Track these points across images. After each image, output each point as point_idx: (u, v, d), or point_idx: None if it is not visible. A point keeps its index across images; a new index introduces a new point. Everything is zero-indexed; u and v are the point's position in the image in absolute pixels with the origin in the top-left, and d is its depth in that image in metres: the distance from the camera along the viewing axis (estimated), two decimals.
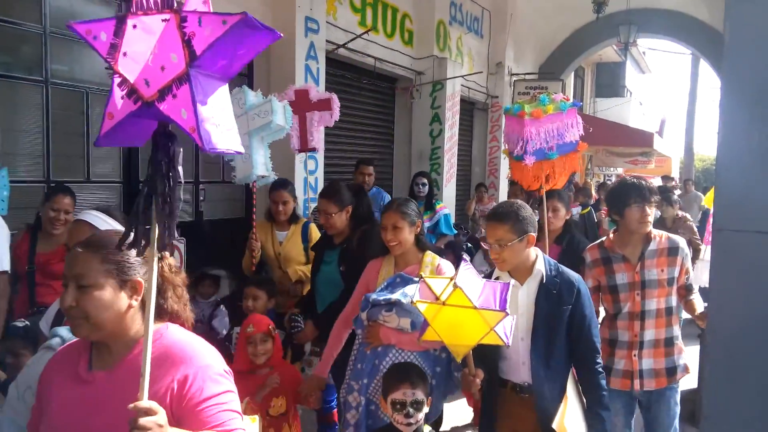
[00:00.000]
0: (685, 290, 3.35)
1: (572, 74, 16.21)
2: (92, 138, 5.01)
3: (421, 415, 2.58)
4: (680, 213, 7.10)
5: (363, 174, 6.10)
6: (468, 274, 2.34)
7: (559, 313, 2.60)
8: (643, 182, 3.31)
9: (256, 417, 2.83)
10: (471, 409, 4.69)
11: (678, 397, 3.32)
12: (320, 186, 6.55)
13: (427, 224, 6.08)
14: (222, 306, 4.50)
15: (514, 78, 12.62)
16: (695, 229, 7.08)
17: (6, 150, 4.52)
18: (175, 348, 1.61)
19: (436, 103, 9.41)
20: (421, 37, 9.31)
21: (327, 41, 6.99)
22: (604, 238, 3.44)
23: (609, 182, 11.82)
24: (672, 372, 3.25)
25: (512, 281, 2.47)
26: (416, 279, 2.90)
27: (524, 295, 2.65)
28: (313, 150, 5.26)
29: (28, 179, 4.63)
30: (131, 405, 1.40)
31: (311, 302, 3.97)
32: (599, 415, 2.60)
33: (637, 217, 3.21)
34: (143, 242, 1.46)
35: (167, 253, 1.68)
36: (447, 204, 9.55)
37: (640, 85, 26.69)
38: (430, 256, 3.18)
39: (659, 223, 6.92)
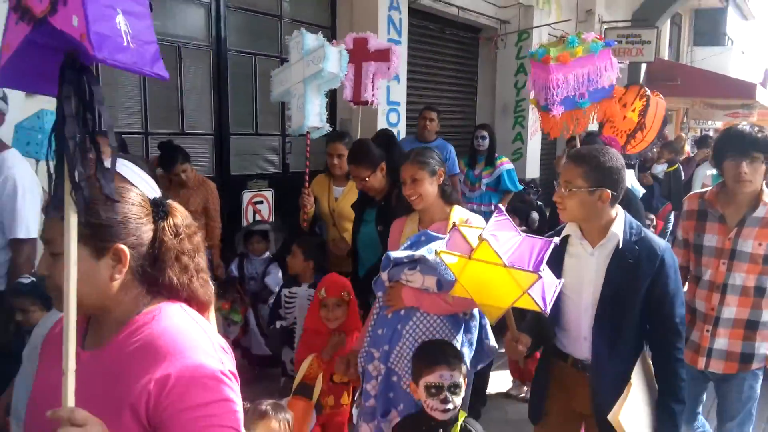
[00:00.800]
0: None
1: (668, 21, 15.29)
2: (185, 91, 5.22)
3: (459, 400, 2.31)
4: None
5: (424, 119, 5.79)
6: (502, 225, 2.09)
7: (634, 286, 2.22)
8: (751, 132, 2.74)
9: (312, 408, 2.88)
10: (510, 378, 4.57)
11: (757, 384, 2.88)
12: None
13: (487, 180, 5.91)
14: (275, 262, 4.45)
15: (605, 26, 12.04)
16: None
17: (108, 103, 4.77)
18: (163, 339, 1.25)
19: (522, 54, 9.13)
20: None
21: None
22: (708, 189, 2.98)
23: (709, 136, 10.99)
24: (747, 359, 2.80)
25: (555, 239, 2.07)
26: (443, 236, 2.55)
27: (594, 261, 2.29)
28: (366, 103, 4.86)
29: (129, 131, 4.89)
30: (49, 412, 1.11)
31: (353, 266, 3.74)
32: (671, 410, 2.26)
33: (731, 174, 2.73)
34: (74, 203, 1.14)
35: (178, 207, 1.38)
36: (532, 160, 9.37)
37: (742, 33, 24.87)
38: (457, 211, 2.85)
39: None
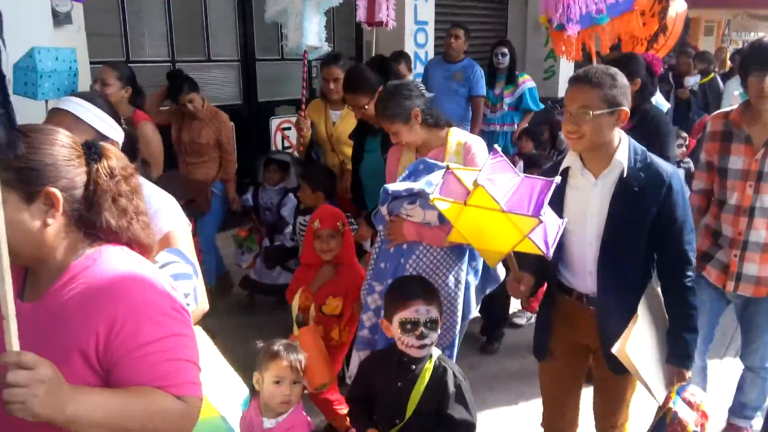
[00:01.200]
0: None
1: None
2: (210, 20, 5.15)
3: (435, 336, 2.17)
4: None
5: (450, 36, 5.48)
6: (498, 167, 1.92)
7: (640, 216, 2.10)
8: None
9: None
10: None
11: None
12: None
13: (508, 100, 5.63)
14: (291, 194, 4.29)
15: None
16: None
17: (134, 32, 4.77)
18: (106, 280, 1.21)
19: None
20: None
21: None
22: (733, 107, 2.79)
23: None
24: None
25: (557, 179, 1.93)
26: (442, 165, 2.50)
27: (597, 192, 2.13)
28: (380, 24, 4.56)
29: (155, 59, 4.89)
30: None
31: (359, 197, 3.61)
32: (684, 340, 2.16)
33: (754, 90, 2.54)
34: None
35: (112, 150, 1.32)
36: (564, 78, 9.08)
37: None
38: (454, 134, 2.74)
39: None
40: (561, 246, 2.17)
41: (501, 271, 2.80)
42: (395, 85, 2.78)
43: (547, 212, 1.86)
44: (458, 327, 2.70)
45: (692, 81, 7.73)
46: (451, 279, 2.65)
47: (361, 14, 4.53)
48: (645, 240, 2.12)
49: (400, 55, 4.97)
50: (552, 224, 1.90)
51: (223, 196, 4.30)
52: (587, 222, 2.15)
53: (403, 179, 2.62)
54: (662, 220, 2.09)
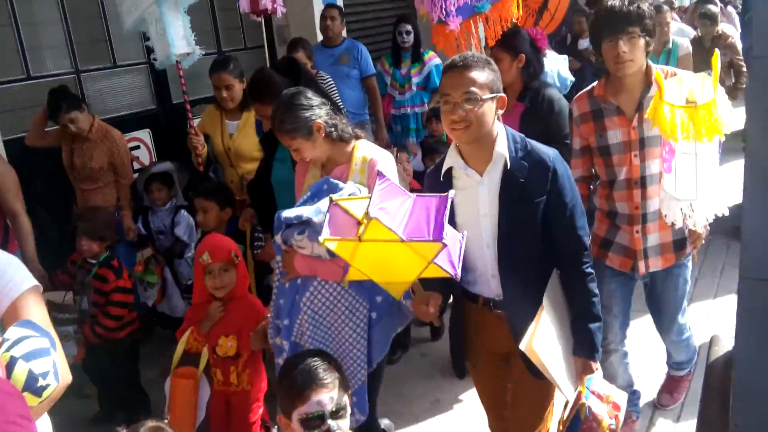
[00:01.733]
0: None
1: None
2: (112, 24, 4.94)
3: (346, 424, 1.81)
4: (721, 29, 5.97)
5: (325, 18, 5.13)
6: (388, 192, 1.77)
7: (531, 207, 1.99)
8: (622, 5, 2.43)
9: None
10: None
11: (688, 274, 2.77)
12: None
13: (416, 79, 5.35)
14: (183, 210, 3.87)
15: None
16: (739, 48, 5.90)
17: (31, 45, 4.52)
18: None
19: None
20: None
21: None
22: (593, 85, 2.66)
23: None
24: (681, 245, 2.64)
25: (452, 193, 1.77)
26: (342, 187, 2.32)
27: (485, 190, 2.01)
28: (265, 12, 4.29)
29: (57, 72, 4.66)
30: None
31: (266, 211, 3.20)
32: (588, 330, 2.07)
33: (610, 56, 2.44)
34: None
35: None
36: None
37: None
38: (360, 149, 2.48)
39: (696, 45, 5.93)
40: None
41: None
42: (292, 95, 2.47)
43: (447, 228, 1.74)
44: (364, 372, 2.44)
45: (585, 44, 6.72)
46: (352, 318, 2.40)
47: (243, 4, 4.23)
48: (540, 232, 2.02)
49: (298, 43, 4.68)
50: (453, 241, 1.79)
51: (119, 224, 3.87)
52: (481, 224, 2.03)
53: (305, 201, 2.40)
54: (552, 207, 1.99)
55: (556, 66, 4.50)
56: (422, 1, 3.27)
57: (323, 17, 5.14)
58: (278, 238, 2.41)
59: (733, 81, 5.81)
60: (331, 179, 2.39)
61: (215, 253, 2.67)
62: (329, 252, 2.09)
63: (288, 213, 2.35)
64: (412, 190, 3.71)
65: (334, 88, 4.52)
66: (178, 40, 3.50)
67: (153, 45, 3.58)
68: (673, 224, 2.49)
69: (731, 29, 6.22)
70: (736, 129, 6.94)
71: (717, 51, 2.34)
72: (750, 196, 1.75)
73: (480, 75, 1.91)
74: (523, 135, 2.05)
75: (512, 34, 3.30)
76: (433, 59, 5.36)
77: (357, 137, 2.53)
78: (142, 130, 4.91)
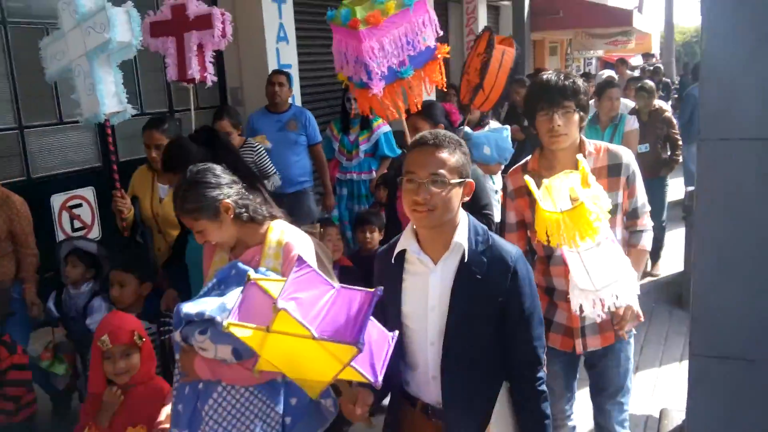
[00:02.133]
0: (630, 219, 2.55)
1: None
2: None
3: None
4: (657, 104, 6.21)
5: (272, 84, 5.03)
6: (306, 281, 1.61)
7: (486, 307, 1.81)
8: (558, 79, 2.41)
9: None
10: None
11: (631, 351, 2.64)
12: None
13: (364, 146, 5.24)
14: (99, 297, 3.32)
15: None
16: (674, 122, 6.16)
17: None
18: None
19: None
20: None
21: None
22: (528, 159, 2.61)
23: (588, 71, 11.32)
24: None
25: (379, 290, 1.59)
26: (257, 271, 2.08)
27: (437, 280, 1.84)
28: (193, 81, 4.10)
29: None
30: None
31: (179, 287, 3.02)
32: None
33: (545, 129, 2.40)
34: None
35: None
36: None
37: None
38: (275, 230, 2.25)
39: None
40: (400, 346, 1.86)
41: (332, 408, 2.29)
42: (197, 171, 2.22)
43: (372, 327, 1.59)
44: None
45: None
46: (264, 426, 2.12)
47: (170, 73, 4.09)
48: (493, 336, 1.83)
49: (223, 111, 4.52)
50: (380, 343, 1.61)
51: (22, 299, 3.49)
52: (428, 317, 1.84)
53: (210, 289, 2.11)
54: (509, 312, 1.82)
55: (494, 136, 4.55)
56: (342, 66, 3.10)
57: (270, 83, 5.06)
58: (177, 336, 2.11)
59: (669, 153, 6.09)
60: (240, 264, 2.13)
61: (116, 334, 2.39)
62: (235, 353, 1.97)
63: (188, 308, 2.06)
64: (343, 268, 3.65)
65: (265, 157, 4.47)
66: (109, 97, 3.24)
67: (79, 99, 3.29)
68: (582, 310, 2.30)
69: (664, 104, 6.52)
70: (676, 199, 7.24)
71: (581, 157, 2.24)
72: (699, 274, 1.78)
73: (451, 156, 1.78)
74: (485, 227, 1.91)
75: (431, 104, 3.28)
76: (381, 127, 5.30)
77: (272, 217, 2.31)
78: (86, 187, 4.75)
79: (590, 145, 2.49)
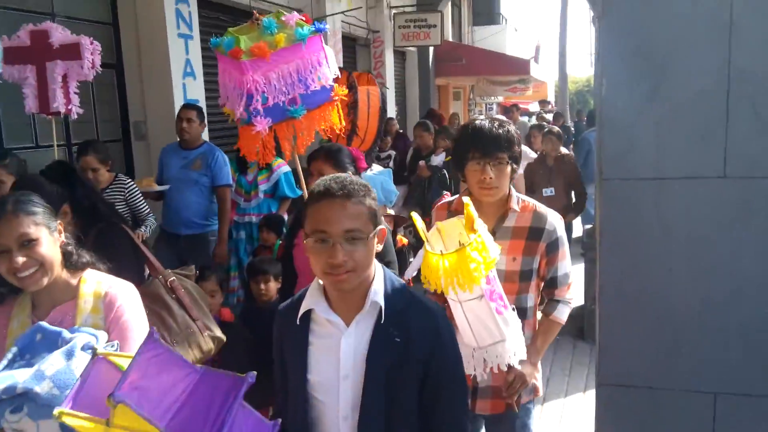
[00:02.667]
0: (548, 287, 2.41)
1: (449, 4, 16.28)
2: None
3: None
4: (564, 150, 6.35)
5: (181, 120, 4.79)
6: (158, 363, 1.36)
7: (406, 375, 1.58)
8: (492, 128, 2.27)
9: None
10: None
11: (529, 421, 2.48)
12: None
13: (264, 187, 5.09)
14: None
15: (394, 11, 12.51)
16: (578, 173, 6.30)
17: None
18: None
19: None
20: None
21: None
22: (454, 198, 2.51)
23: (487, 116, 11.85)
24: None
25: (250, 375, 1.40)
26: (68, 336, 1.65)
27: (350, 344, 1.59)
28: (58, 114, 3.89)
29: None
30: None
31: None
32: None
33: (475, 180, 2.27)
34: None
35: None
36: None
37: (514, 12, 27.34)
38: (90, 280, 1.91)
39: (539, 161, 6.41)
40: (306, 421, 1.64)
41: None
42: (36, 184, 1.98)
43: (245, 418, 1.38)
44: None
45: (438, 159, 6.79)
46: None
47: (30, 104, 3.84)
48: (415, 405, 1.60)
49: (89, 145, 4.25)
50: None
51: None
52: (339, 387, 1.59)
53: (9, 362, 1.64)
54: (431, 375, 1.59)
55: (380, 179, 4.53)
56: (226, 99, 2.86)
57: (179, 118, 4.83)
58: None
59: (575, 199, 6.34)
60: (46, 325, 1.71)
61: None
62: (62, 429, 1.45)
63: None
64: (224, 324, 2.91)
65: (138, 196, 4.29)
66: None
67: None
68: (475, 370, 2.16)
69: (566, 150, 6.77)
70: (575, 236, 7.62)
71: (468, 200, 2.07)
72: (604, 305, 1.87)
73: (363, 206, 1.55)
74: (404, 282, 1.71)
75: (337, 150, 2.97)
76: (282, 167, 5.14)
77: (89, 265, 1.96)
78: None
79: (518, 201, 2.35)
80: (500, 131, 2.26)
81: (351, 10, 10.37)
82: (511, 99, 20.13)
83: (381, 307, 1.58)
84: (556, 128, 6.65)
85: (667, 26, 1.63)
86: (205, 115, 5.26)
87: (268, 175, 5.10)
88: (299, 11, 8.82)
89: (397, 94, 13.63)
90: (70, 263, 1.92)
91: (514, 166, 2.30)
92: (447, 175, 6.42)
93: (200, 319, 2.60)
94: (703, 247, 1.67)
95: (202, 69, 6.52)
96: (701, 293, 1.69)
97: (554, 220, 2.35)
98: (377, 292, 1.59)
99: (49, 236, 1.84)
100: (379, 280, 1.62)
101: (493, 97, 21.08)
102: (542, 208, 2.38)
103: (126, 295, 1.92)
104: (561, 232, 2.36)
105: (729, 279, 1.66)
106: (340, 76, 2.92)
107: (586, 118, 16.52)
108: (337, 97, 2.88)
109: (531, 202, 2.40)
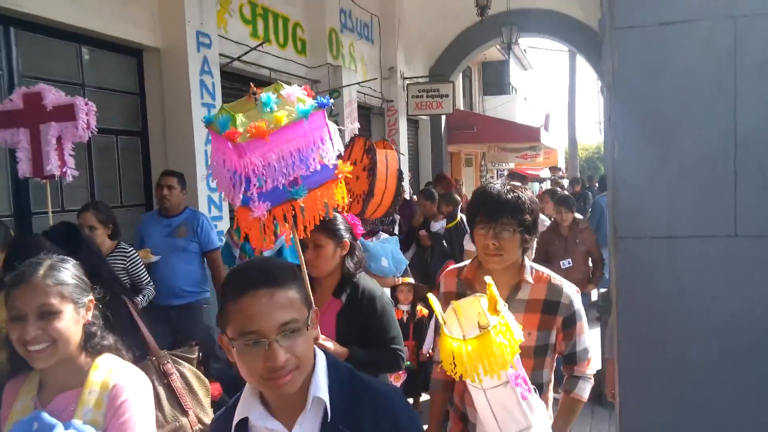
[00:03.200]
0: (567, 363, 2.30)
1: (460, 75, 16.77)
2: None
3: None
4: (578, 216, 6.13)
5: (161, 187, 4.69)
6: None
7: None
8: (500, 192, 2.17)
9: None
10: None
11: None
12: (225, 206, 6.38)
13: (268, 254, 4.34)
14: None
15: (407, 81, 12.90)
16: (595, 239, 6.03)
17: None
18: None
19: (334, 111, 9.46)
20: (314, 45, 9.33)
21: (220, 54, 6.88)
22: (465, 265, 2.38)
23: (497, 179, 12.01)
24: None
25: None
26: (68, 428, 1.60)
27: None
28: (53, 177, 3.82)
29: None
30: None
31: None
32: None
33: (480, 245, 2.18)
34: None
35: None
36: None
37: (523, 82, 28.00)
38: (101, 368, 1.76)
39: (553, 231, 6.11)
40: None
41: None
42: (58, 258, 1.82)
43: None
44: None
45: (438, 226, 6.67)
46: None
47: (23, 168, 3.77)
48: None
49: (89, 204, 4.23)
50: None
51: None
52: None
53: None
54: None
55: (390, 248, 4.40)
56: (219, 179, 2.55)
57: (159, 185, 4.71)
58: None
59: (593, 270, 6.09)
60: (45, 415, 1.61)
61: None
62: None
63: None
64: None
65: (140, 265, 4.22)
66: None
67: None
68: None
69: (580, 216, 6.49)
70: (593, 300, 7.60)
71: (490, 279, 1.98)
72: (623, 364, 1.89)
73: (293, 290, 1.34)
74: (350, 366, 1.48)
75: (333, 218, 2.76)
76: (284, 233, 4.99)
77: (103, 350, 1.81)
78: None
79: (531, 272, 2.21)
80: (509, 196, 2.14)
81: (366, 81, 10.73)
82: (521, 165, 20.40)
83: (326, 404, 1.36)
84: (566, 194, 6.52)
85: (675, 94, 1.73)
86: None
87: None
88: (316, 82, 9.18)
89: (411, 160, 13.88)
90: (90, 345, 1.77)
91: (526, 235, 2.16)
92: (446, 243, 6.29)
93: (192, 409, 2.43)
94: (717, 302, 1.71)
95: None
96: (717, 348, 1.72)
97: (570, 292, 2.22)
98: (319, 387, 1.36)
99: (73, 312, 1.72)
100: (321, 370, 1.39)
101: (504, 164, 21.38)
102: (557, 279, 2.25)
103: (134, 390, 1.74)
104: (578, 305, 2.23)
105: (745, 334, 1.69)
106: (342, 154, 2.66)
107: (597, 183, 16.66)
108: (341, 175, 2.59)
109: (546, 272, 2.26)
